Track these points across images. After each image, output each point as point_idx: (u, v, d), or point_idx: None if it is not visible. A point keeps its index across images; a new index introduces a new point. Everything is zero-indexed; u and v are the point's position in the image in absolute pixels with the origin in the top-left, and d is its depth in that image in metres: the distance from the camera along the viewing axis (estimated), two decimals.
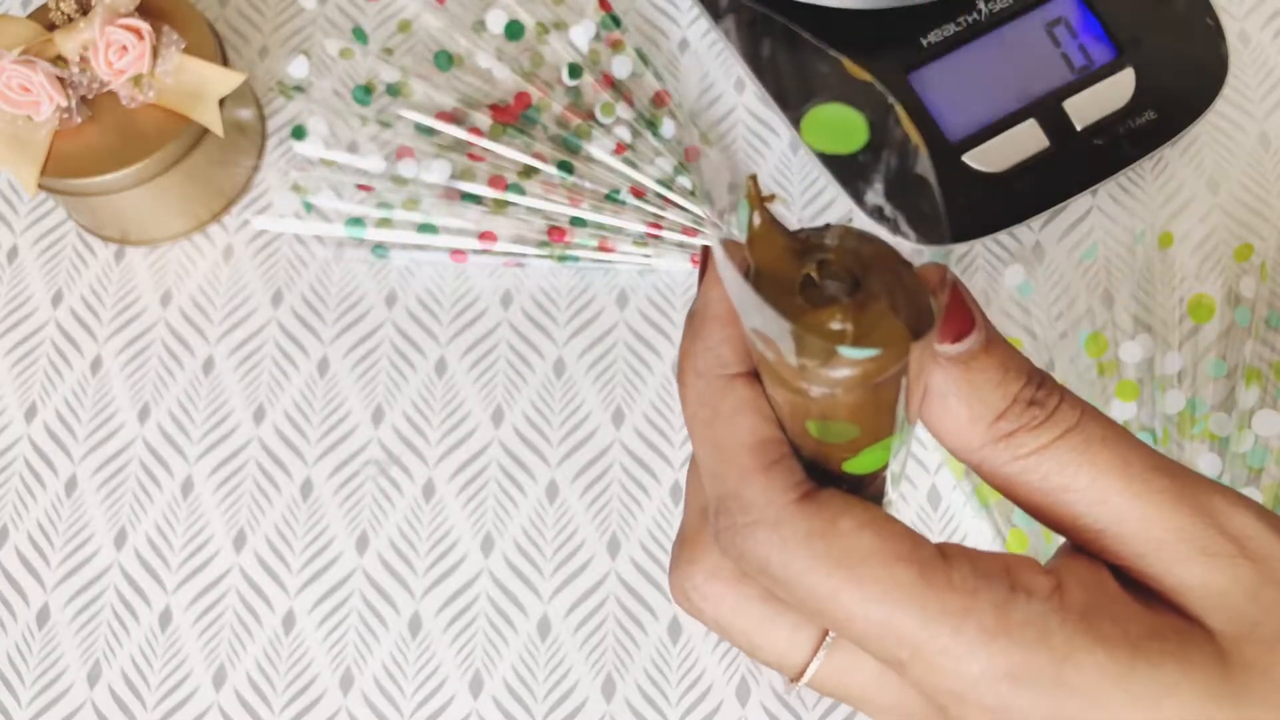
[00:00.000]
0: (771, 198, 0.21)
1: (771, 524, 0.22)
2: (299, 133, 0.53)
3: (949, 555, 0.22)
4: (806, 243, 0.21)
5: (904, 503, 0.49)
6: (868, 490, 0.25)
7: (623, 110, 0.53)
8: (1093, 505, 0.22)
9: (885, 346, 0.20)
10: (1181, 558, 0.22)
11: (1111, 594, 0.22)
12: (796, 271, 0.21)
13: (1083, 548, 0.23)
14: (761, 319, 0.20)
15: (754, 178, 0.21)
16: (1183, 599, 0.22)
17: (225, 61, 0.51)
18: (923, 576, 0.21)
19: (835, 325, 0.20)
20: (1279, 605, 0.22)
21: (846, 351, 0.20)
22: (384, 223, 0.52)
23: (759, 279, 0.21)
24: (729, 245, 0.21)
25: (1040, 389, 0.22)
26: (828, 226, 0.22)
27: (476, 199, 0.52)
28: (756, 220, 0.21)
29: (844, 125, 0.22)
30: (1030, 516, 0.24)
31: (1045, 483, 0.22)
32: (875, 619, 0.21)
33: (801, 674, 0.24)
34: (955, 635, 0.21)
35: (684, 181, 0.52)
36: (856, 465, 0.23)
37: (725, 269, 0.20)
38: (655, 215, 0.52)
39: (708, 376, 0.23)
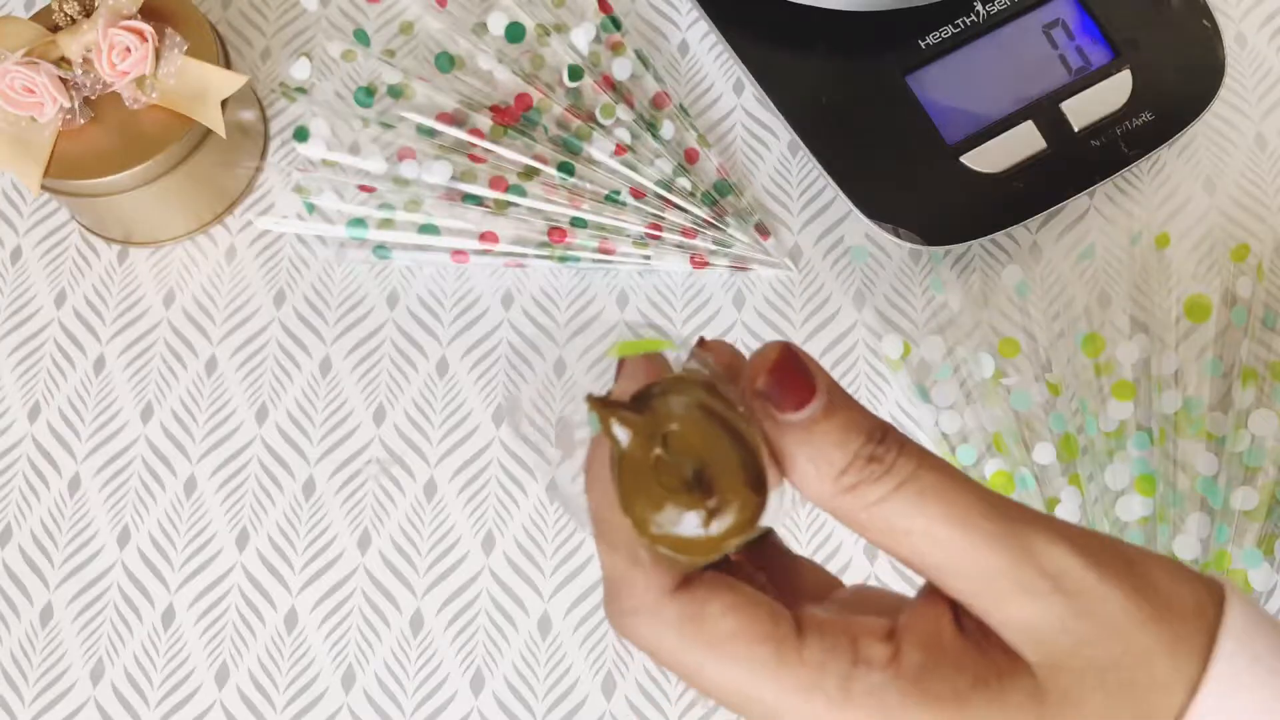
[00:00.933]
0: (611, 401, 0.25)
1: (650, 611, 0.25)
2: (301, 134, 0.54)
3: (804, 629, 0.25)
4: (653, 419, 0.25)
5: None
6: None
7: (623, 112, 0.53)
8: (931, 549, 0.25)
9: (739, 518, 0.24)
10: (1003, 596, 0.24)
11: (945, 645, 0.25)
12: (649, 452, 0.25)
13: (934, 585, 0.26)
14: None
15: (590, 397, 0.26)
16: (1007, 634, 0.24)
17: (228, 63, 0.51)
18: (778, 654, 0.24)
19: (692, 515, 0.24)
20: (1088, 637, 0.24)
21: (709, 540, 0.24)
22: (385, 223, 0.53)
23: (622, 461, 0.25)
24: (597, 441, 0.26)
25: (880, 445, 0.25)
26: (657, 383, 0.26)
27: (477, 200, 0.53)
28: (612, 428, 0.25)
29: (653, 344, 0.29)
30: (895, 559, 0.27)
31: (890, 528, 0.25)
32: (738, 692, 0.25)
33: None
34: (806, 705, 0.24)
35: (684, 183, 0.53)
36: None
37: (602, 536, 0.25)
38: (655, 216, 0.52)
39: (605, 481, 0.26)
